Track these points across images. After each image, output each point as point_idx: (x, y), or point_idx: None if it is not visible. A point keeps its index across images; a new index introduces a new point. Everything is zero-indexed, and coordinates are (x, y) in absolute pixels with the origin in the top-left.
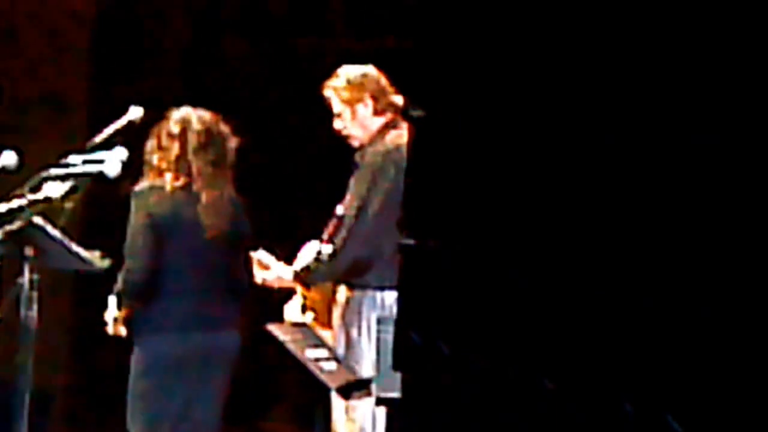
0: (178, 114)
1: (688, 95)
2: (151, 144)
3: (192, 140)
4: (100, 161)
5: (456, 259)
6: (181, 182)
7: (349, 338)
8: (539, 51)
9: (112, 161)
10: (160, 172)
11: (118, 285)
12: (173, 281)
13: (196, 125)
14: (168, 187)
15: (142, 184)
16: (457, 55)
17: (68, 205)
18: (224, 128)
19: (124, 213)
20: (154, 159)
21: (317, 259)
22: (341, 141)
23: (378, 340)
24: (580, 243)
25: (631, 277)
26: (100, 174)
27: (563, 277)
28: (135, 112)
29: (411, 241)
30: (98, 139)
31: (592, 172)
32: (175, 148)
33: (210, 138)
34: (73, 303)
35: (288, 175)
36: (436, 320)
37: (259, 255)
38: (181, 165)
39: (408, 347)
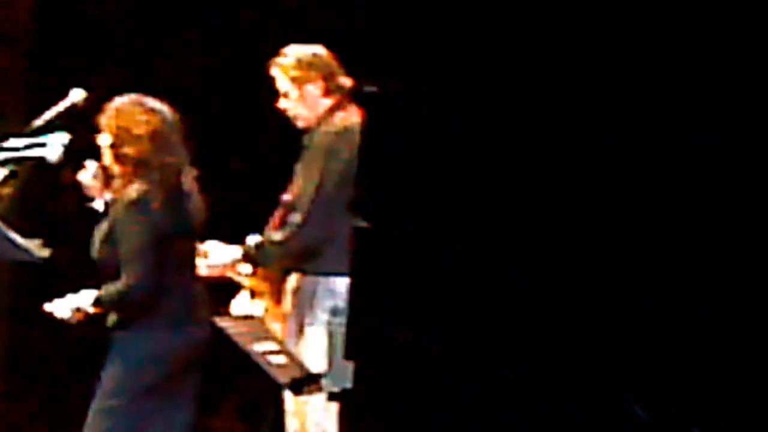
0: (144, 107)
1: (688, 95)
2: (141, 145)
3: (175, 136)
4: (41, 145)
5: (413, 242)
6: (181, 182)
7: (302, 327)
8: (519, 31)
9: (53, 146)
10: (151, 173)
11: (111, 295)
12: (177, 275)
13: (170, 119)
14: (161, 193)
15: (135, 191)
16: (422, 31)
17: (6, 191)
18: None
19: (65, 200)
20: (154, 160)
21: (270, 242)
22: (288, 128)
23: (329, 333)
24: (568, 240)
25: (631, 277)
26: (41, 159)
27: (556, 275)
28: (76, 95)
29: (364, 224)
30: (39, 122)
31: (584, 169)
32: (167, 146)
33: (182, 130)
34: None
35: (232, 164)
36: (391, 307)
37: (207, 246)
38: (173, 162)
39: (361, 335)
